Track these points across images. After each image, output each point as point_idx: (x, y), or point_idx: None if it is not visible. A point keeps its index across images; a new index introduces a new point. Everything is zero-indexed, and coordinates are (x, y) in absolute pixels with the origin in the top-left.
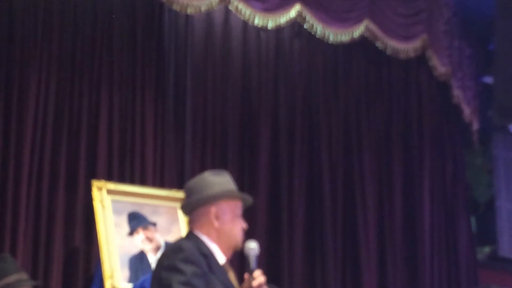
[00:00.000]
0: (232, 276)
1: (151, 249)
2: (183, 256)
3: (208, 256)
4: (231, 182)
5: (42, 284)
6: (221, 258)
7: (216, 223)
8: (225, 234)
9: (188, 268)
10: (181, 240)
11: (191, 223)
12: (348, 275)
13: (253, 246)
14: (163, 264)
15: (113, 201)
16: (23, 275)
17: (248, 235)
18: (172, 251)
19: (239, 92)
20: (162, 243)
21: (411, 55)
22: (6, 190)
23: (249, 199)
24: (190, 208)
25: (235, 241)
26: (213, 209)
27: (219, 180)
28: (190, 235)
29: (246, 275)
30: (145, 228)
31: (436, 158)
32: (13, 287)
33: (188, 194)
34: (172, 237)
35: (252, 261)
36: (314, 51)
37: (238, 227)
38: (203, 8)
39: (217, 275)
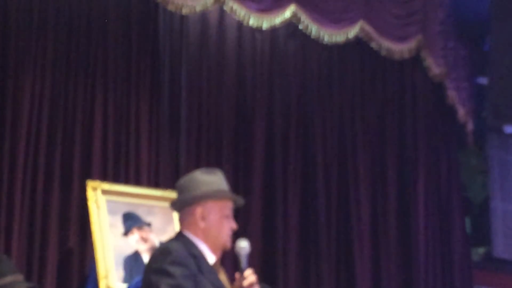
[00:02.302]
0: (222, 275)
1: (146, 249)
2: (171, 258)
3: (197, 256)
4: (222, 181)
5: (37, 286)
6: (211, 258)
7: (202, 224)
8: (211, 234)
9: (177, 270)
10: (170, 241)
11: (180, 222)
12: (342, 275)
13: (244, 245)
14: (151, 267)
15: (108, 201)
16: (19, 277)
17: (242, 235)
18: (160, 253)
19: (234, 92)
20: (157, 244)
21: (406, 56)
22: (0, 190)
23: (239, 199)
24: (178, 207)
25: (222, 241)
26: (199, 209)
27: (209, 179)
28: (179, 235)
29: (237, 275)
30: (139, 228)
31: (430, 158)
32: None
33: (178, 192)
34: (166, 237)
35: (243, 260)
36: (309, 52)
37: (225, 227)
38: (198, 8)
39: (207, 276)
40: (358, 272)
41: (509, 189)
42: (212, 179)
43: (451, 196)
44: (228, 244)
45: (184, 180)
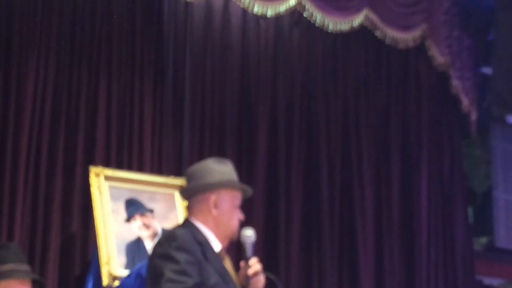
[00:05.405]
0: (228, 264)
1: (148, 235)
2: (176, 244)
3: (203, 243)
4: (233, 171)
5: (40, 278)
6: (216, 246)
7: (214, 211)
8: (222, 223)
9: (181, 256)
10: (176, 227)
11: (189, 209)
12: (345, 264)
13: (249, 234)
14: (156, 252)
15: (111, 187)
16: (22, 266)
17: (246, 224)
18: (165, 239)
19: (238, 80)
20: (159, 230)
21: (410, 45)
22: (4, 176)
23: (249, 190)
24: (190, 194)
25: (231, 231)
26: (212, 197)
27: (221, 169)
28: (186, 222)
29: (242, 263)
30: (142, 214)
31: (434, 148)
32: (4, 276)
33: (189, 179)
34: (169, 224)
35: (248, 249)
36: (313, 40)
37: (235, 217)
38: None
39: (212, 263)
40: (361, 262)
41: None
42: (224, 169)
43: (454, 185)
44: (236, 234)
45: (195, 167)
